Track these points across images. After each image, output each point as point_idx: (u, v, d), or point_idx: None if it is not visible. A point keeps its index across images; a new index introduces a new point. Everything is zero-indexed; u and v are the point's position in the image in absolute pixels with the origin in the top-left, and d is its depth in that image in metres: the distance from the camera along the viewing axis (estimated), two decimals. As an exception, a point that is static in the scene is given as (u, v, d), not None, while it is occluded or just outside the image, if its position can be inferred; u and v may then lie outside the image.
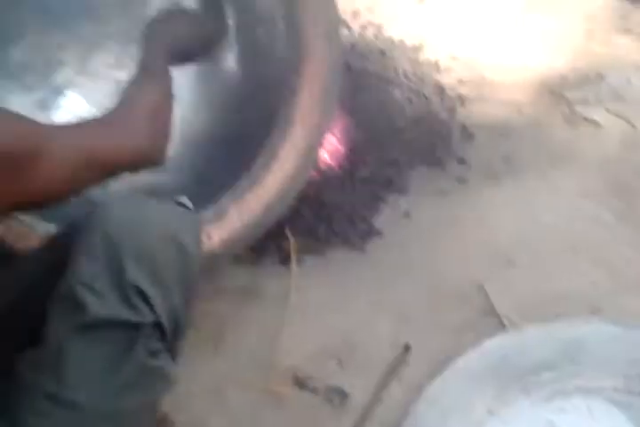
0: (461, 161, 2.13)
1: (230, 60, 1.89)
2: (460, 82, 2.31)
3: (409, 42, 2.42)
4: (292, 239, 1.94)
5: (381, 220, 2.04)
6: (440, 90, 2.27)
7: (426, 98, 2.23)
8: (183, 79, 1.87)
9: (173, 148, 1.86)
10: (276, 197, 1.62)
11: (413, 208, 2.06)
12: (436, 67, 2.34)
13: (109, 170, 1.14)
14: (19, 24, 1.71)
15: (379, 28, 2.46)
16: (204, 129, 1.88)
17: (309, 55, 1.53)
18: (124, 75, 1.91)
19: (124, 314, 1.04)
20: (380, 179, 2.07)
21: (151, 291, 1.05)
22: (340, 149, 2.06)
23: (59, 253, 1.11)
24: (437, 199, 2.08)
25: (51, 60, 1.80)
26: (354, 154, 2.08)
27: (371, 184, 2.06)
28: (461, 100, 2.26)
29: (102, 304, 1.03)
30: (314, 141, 1.62)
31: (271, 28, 1.72)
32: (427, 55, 2.39)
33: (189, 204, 1.26)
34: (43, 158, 0.98)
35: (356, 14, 2.47)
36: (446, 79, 2.31)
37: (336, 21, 1.60)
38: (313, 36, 1.52)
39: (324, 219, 2.00)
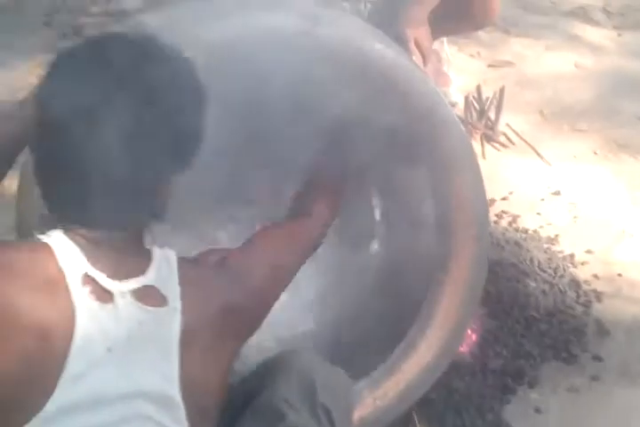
0: (596, 358, 2.10)
1: (373, 248, 1.98)
2: (596, 277, 2.32)
3: (544, 233, 2.48)
4: (418, 425, 1.93)
5: (510, 412, 2.00)
6: (575, 283, 2.29)
7: (560, 291, 2.25)
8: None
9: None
10: (411, 388, 1.64)
11: (544, 403, 2.02)
12: (571, 260, 2.37)
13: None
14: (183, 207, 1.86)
15: (514, 217, 2.53)
16: (341, 312, 1.95)
17: (458, 255, 1.60)
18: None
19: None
20: (512, 370, 2.06)
21: (335, 413, 1.27)
22: (473, 337, 2.07)
23: (252, 385, 1.32)
24: (569, 396, 2.04)
25: (210, 237, 1.93)
26: (486, 343, 2.09)
27: (501, 375, 2.05)
28: (597, 295, 2.26)
29: (298, 416, 1.23)
30: (454, 338, 1.66)
31: (419, 221, 1.81)
32: (562, 247, 2.43)
33: None
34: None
35: (491, 203, 2.55)
36: (581, 273, 2.33)
37: (486, 223, 1.67)
38: (463, 238, 1.59)
39: (453, 406, 1.99)
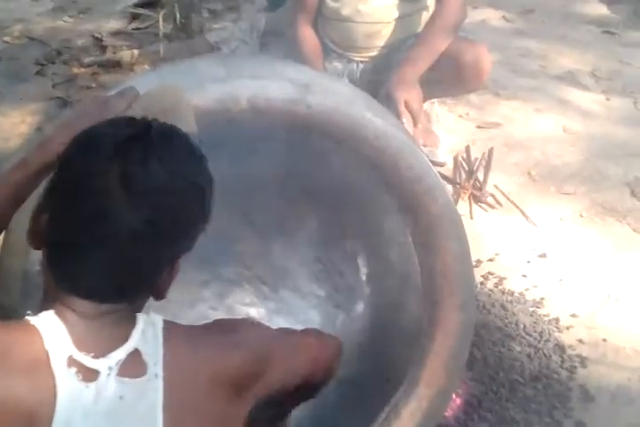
0: (580, 424, 2.08)
1: (359, 309, 1.97)
2: (581, 342, 2.31)
3: (529, 296, 2.47)
4: None
5: (494, 479, 1.98)
6: (560, 348, 2.28)
7: (545, 355, 2.24)
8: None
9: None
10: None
11: (528, 470, 1.99)
12: (557, 323, 2.36)
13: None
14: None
15: (500, 279, 2.53)
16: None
17: (442, 323, 1.59)
18: (255, 312, 2.03)
19: None
20: (497, 439, 2.03)
21: None
22: (457, 401, 2.05)
23: None
24: (553, 463, 2.01)
25: (194, 295, 1.92)
26: (471, 407, 2.07)
27: (485, 441, 2.03)
28: (581, 360, 2.25)
29: None
30: (438, 406, 1.64)
31: (405, 286, 1.81)
32: (547, 310, 2.42)
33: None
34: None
35: (477, 264, 2.55)
36: (566, 337, 2.33)
37: (472, 292, 1.67)
38: (448, 307, 1.59)
39: (436, 471, 1.95)
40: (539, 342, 2.29)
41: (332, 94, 1.49)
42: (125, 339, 1.06)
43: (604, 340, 2.32)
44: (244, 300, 2.00)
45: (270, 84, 1.45)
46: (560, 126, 3.34)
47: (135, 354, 1.06)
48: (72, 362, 1.02)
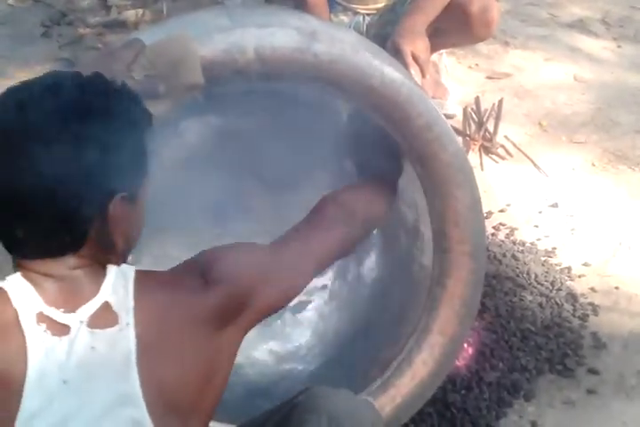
0: (592, 371, 2.10)
1: (371, 261, 1.98)
2: (593, 290, 2.32)
3: (541, 246, 2.48)
4: (413, 438, 1.92)
5: (506, 426, 2.00)
6: (572, 297, 2.28)
7: (557, 304, 2.25)
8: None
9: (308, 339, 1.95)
10: (407, 403, 1.64)
11: (540, 416, 2.02)
12: (569, 273, 2.37)
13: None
14: (183, 219, 1.87)
15: (511, 230, 2.53)
16: (338, 325, 1.95)
17: (453, 271, 1.60)
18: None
19: None
20: (508, 384, 2.05)
21: None
22: (469, 350, 2.07)
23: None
24: (565, 409, 2.04)
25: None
26: (482, 356, 2.08)
27: (498, 388, 2.05)
28: (594, 308, 2.26)
29: None
30: (450, 354, 1.65)
31: (415, 238, 1.81)
32: (559, 260, 2.43)
33: (374, 402, 1.45)
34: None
35: (488, 215, 2.55)
36: (578, 286, 2.33)
37: (483, 240, 1.67)
38: (459, 254, 1.59)
39: (448, 420, 1.98)
40: (550, 291, 2.29)
41: (338, 42, 1.47)
42: (95, 292, 1.08)
43: (617, 288, 2.33)
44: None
45: (276, 33, 1.43)
46: (571, 75, 3.30)
47: (106, 306, 1.07)
48: (42, 318, 1.04)
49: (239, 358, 1.24)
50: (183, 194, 1.85)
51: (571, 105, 3.12)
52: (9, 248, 1.10)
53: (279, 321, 2.01)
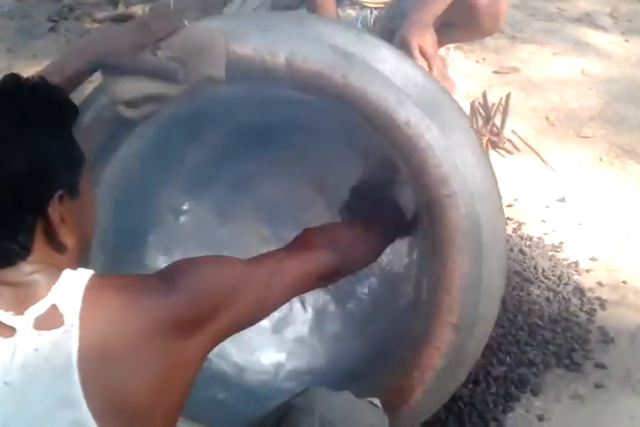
0: (599, 366, 2.10)
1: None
2: (600, 284, 2.32)
3: (548, 240, 2.47)
4: (419, 431, 1.92)
5: (513, 420, 2.00)
6: (579, 291, 2.28)
7: (564, 298, 2.24)
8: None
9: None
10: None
11: (547, 411, 2.01)
12: (576, 267, 2.37)
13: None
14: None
15: (519, 224, 2.53)
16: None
17: (432, 339, 1.51)
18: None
19: None
20: (515, 378, 2.05)
21: None
22: (476, 345, 2.07)
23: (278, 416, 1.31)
24: (572, 403, 2.03)
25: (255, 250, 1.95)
26: (490, 350, 2.08)
27: (505, 382, 2.05)
28: (601, 302, 2.25)
29: None
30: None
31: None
32: (566, 254, 2.42)
33: (379, 404, 1.38)
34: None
35: (496, 210, 2.54)
36: (586, 280, 2.33)
37: (475, 311, 1.51)
38: (444, 322, 1.49)
39: (456, 414, 1.98)
40: (558, 285, 2.29)
41: (371, 71, 1.42)
42: (43, 295, 1.06)
43: (624, 282, 2.32)
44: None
45: (312, 46, 1.41)
46: (578, 69, 3.30)
47: (53, 308, 1.05)
48: None
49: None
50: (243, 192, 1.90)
51: (578, 99, 3.11)
52: None
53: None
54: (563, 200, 2.61)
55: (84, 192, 1.14)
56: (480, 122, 2.87)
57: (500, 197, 1.55)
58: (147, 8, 3.59)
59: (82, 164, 1.14)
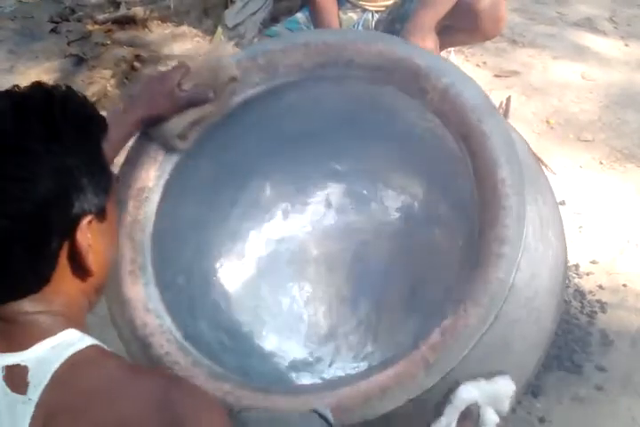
0: (600, 368, 2.10)
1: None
2: (600, 287, 2.32)
3: (549, 243, 2.47)
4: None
5: (514, 421, 2.00)
6: (580, 294, 2.29)
7: (565, 301, 2.25)
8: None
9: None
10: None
11: (548, 412, 2.02)
12: (576, 270, 2.37)
13: None
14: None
15: (519, 227, 2.53)
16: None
17: None
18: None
19: None
20: (516, 380, 2.06)
21: None
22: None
23: None
24: (573, 405, 2.04)
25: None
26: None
27: (506, 384, 2.05)
28: (601, 305, 2.26)
29: None
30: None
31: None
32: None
33: (329, 414, 1.29)
34: None
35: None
36: (586, 283, 2.34)
37: None
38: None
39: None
40: (558, 288, 2.29)
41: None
42: (25, 347, 0.96)
43: (624, 285, 2.33)
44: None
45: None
46: (578, 73, 3.31)
47: (24, 369, 0.95)
48: None
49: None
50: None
51: (578, 103, 3.12)
52: None
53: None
54: (563, 203, 2.62)
55: (110, 214, 1.05)
56: (481, 125, 2.87)
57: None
58: (148, 9, 3.59)
59: (111, 183, 1.05)
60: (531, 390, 2.04)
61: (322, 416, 1.28)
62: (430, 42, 2.42)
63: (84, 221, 0.98)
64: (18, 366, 0.95)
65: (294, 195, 1.99)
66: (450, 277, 1.68)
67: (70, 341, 0.97)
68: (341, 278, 1.97)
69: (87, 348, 0.97)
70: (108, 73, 3.19)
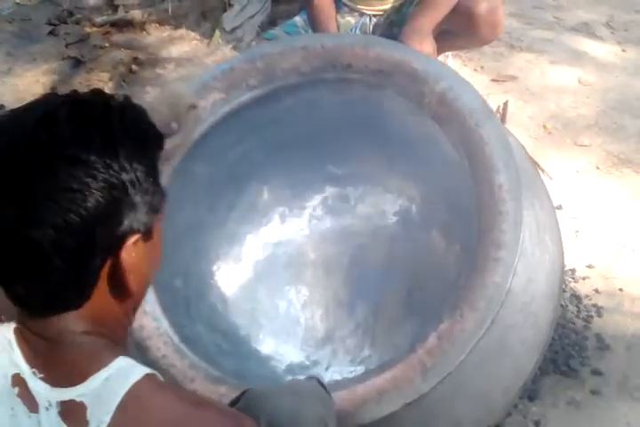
0: (596, 372, 2.10)
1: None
2: (597, 291, 2.33)
3: (545, 247, 2.48)
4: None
5: (510, 425, 2.01)
6: (576, 298, 2.29)
7: (561, 305, 2.25)
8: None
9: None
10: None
11: (543, 416, 2.02)
12: (573, 274, 2.38)
13: None
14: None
15: (516, 231, 2.53)
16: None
17: None
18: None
19: None
20: (512, 384, 2.06)
21: None
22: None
23: None
24: (569, 409, 2.04)
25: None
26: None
27: (502, 388, 2.05)
28: (597, 309, 2.26)
29: None
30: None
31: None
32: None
33: (323, 380, 1.34)
34: None
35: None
36: (582, 287, 2.34)
37: None
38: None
39: (452, 419, 1.99)
40: (555, 292, 2.30)
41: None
42: (81, 380, 0.93)
43: (621, 289, 2.33)
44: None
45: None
46: (575, 78, 3.31)
47: (81, 406, 0.92)
48: (17, 381, 0.94)
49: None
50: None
51: (575, 108, 3.13)
52: (15, 303, 0.96)
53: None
54: (560, 208, 2.62)
55: (156, 233, 1.00)
56: (478, 129, 2.87)
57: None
58: (146, 12, 3.59)
59: (163, 202, 1.00)
60: (527, 393, 2.04)
61: (321, 384, 1.30)
62: (428, 46, 2.43)
63: (131, 240, 0.94)
64: (73, 401, 0.92)
65: (291, 199, 2.00)
66: (447, 281, 1.68)
67: (124, 372, 0.93)
68: (338, 282, 1.98)
69: (142, 379, 0.93)
70: (105, 75, 3.19)
